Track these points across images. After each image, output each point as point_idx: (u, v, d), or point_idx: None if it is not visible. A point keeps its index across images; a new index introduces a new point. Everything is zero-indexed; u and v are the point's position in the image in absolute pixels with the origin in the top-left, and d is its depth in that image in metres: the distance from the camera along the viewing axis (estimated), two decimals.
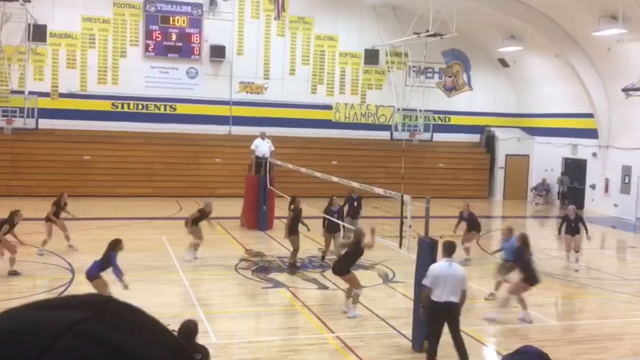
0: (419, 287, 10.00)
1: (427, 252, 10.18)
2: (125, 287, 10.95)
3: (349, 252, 11.88)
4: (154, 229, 19.81)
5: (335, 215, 16.02)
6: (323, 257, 16.07)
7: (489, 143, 32.60)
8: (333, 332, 10.99)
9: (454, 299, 9.16)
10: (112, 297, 0.77)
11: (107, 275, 11.13)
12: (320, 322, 11.52)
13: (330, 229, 16.11)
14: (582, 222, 16.57)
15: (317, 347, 10.47)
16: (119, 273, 10.93)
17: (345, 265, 11.84)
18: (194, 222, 15.46)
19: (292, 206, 15.56)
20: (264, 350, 10.19)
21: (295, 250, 15.18)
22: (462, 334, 9.41)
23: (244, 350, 10.15)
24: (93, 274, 10.88)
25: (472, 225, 16.66)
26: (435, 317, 9.26)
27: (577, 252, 16.48)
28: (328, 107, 30.64)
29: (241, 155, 25.43)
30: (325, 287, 13.89)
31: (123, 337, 0.71)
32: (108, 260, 10.88)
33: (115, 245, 10.93)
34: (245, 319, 11.82)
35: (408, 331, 10.56)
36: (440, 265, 9.30)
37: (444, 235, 18.05)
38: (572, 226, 16.54)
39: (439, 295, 9.15)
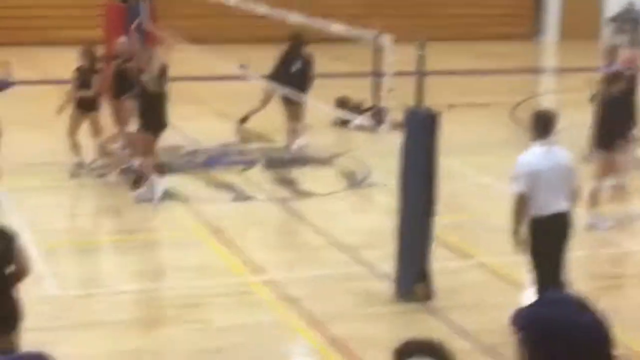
0: (412, 191, 10.18)
1: (421, 133, 10.27)
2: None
3: None
4: None
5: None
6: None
7: None
8: (262, 274, 11.22)
9: (566, 205, 9.38)
10: None
11: None
12: (239, 259, 11.72)
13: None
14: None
15: (233, 298, 10.64)
16: None
17: None
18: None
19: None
20: (141, 304, 10.43)
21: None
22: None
23: (104, 305, 10.32)
24: None
25: None
26: (545, 244, 9.35)
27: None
28: None
29: None
30: (248, 198, 14.10)
31: None
32: None
33: None
34: (108, 255, 11.98)
35: (389, 267, 10.70)
36: (536, 155, 9.41)
37: (454, 105, 18.31)
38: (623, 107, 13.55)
39: (544, 203, 9.28)
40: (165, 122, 13.89)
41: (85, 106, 14.73)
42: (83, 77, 14.65)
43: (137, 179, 14.00)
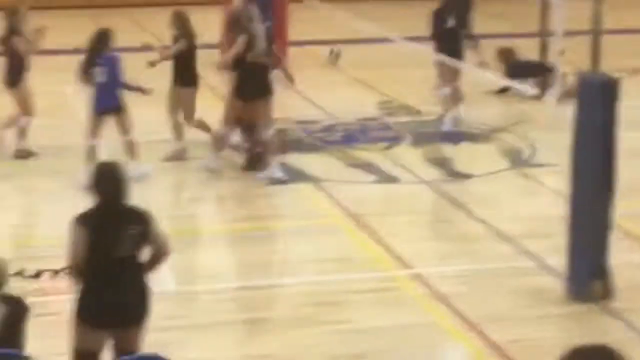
0: (587, 171, 9.85)
1: (598, 102, 9.97)
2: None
3: None
4: (52, 73, 19.46)
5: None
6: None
7: None
8: (411, 268, 11.06)
9: None
10: None
11: None
12: (383, 250, 11.59)
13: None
14: None
15: (375, 296, 10.44)
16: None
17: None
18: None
19: None
20: (271, 302, 10.45)
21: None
22: None
23: (228, 302, 10.35)
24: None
25: None
26: None
27: None
28: None
29: None
30: (393, 180, 13.97)
31: None
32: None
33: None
34: (230, 245, 12.15)
35: (559, 261, 10.45)
36: None
37: (637, 69, 17.92)
38: None
39: None
40: (256, 91, 13.75)
41: (182, 81, 14.57)
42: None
43: (255, 158, 13.96)
